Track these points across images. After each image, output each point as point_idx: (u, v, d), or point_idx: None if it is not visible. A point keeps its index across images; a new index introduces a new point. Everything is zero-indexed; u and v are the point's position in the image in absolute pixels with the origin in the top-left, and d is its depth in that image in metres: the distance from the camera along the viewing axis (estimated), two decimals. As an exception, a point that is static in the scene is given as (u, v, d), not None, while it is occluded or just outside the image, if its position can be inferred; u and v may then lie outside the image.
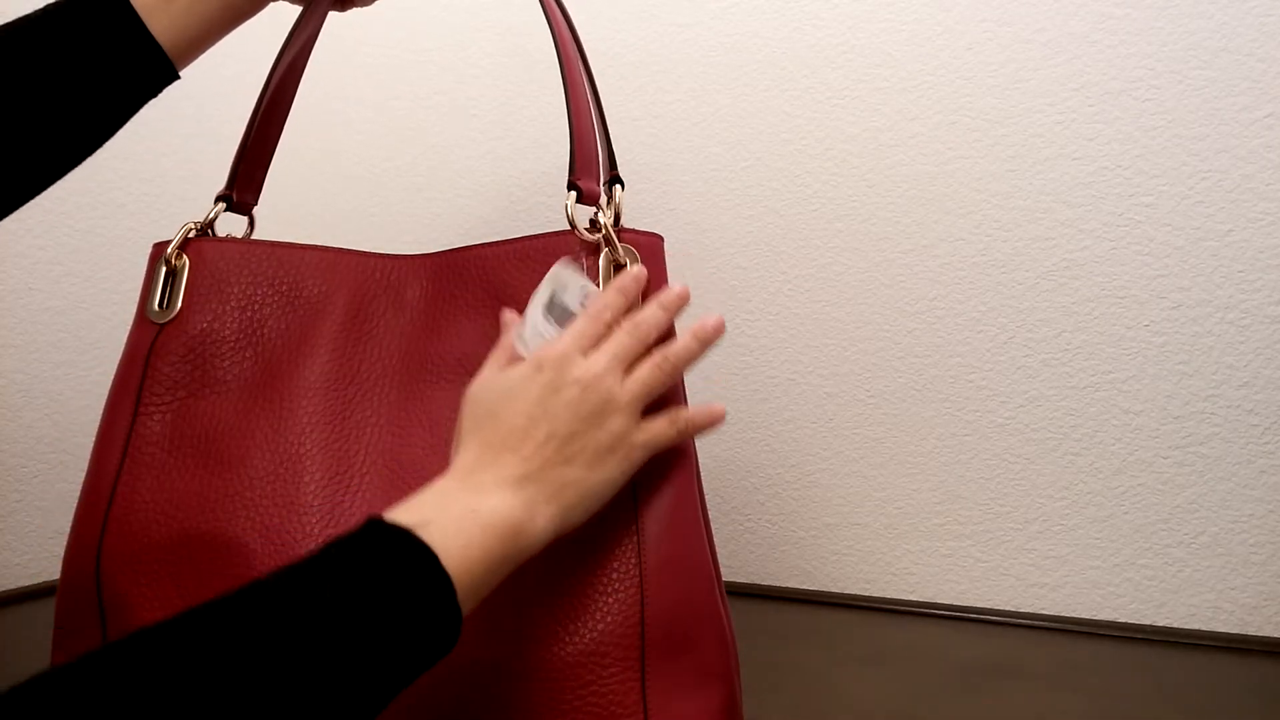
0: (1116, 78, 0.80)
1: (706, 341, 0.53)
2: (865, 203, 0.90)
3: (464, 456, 0.47)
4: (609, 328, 0.51)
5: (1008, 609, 0.85)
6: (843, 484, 0.92)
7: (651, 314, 0.52)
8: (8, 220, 1.01)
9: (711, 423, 0.53)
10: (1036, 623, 0.82)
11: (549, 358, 0.48)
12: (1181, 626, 0.79)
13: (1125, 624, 0.80)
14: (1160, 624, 0.79)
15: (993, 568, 0.85)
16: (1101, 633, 0.79)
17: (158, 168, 1.10)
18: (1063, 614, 0.83)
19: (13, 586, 0.95)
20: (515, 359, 0.51)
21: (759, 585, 0.95)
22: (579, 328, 0.50)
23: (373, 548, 0.39)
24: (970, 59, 0.86)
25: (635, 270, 0.54)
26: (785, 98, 0.93)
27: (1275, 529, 0.76)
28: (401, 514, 0.42)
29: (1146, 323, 0.80)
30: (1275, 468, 0.76)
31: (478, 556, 0.41)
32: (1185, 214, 0.78)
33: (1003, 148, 0.84)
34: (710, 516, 0.99)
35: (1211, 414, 0.78)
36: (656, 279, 0.56)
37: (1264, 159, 0.76)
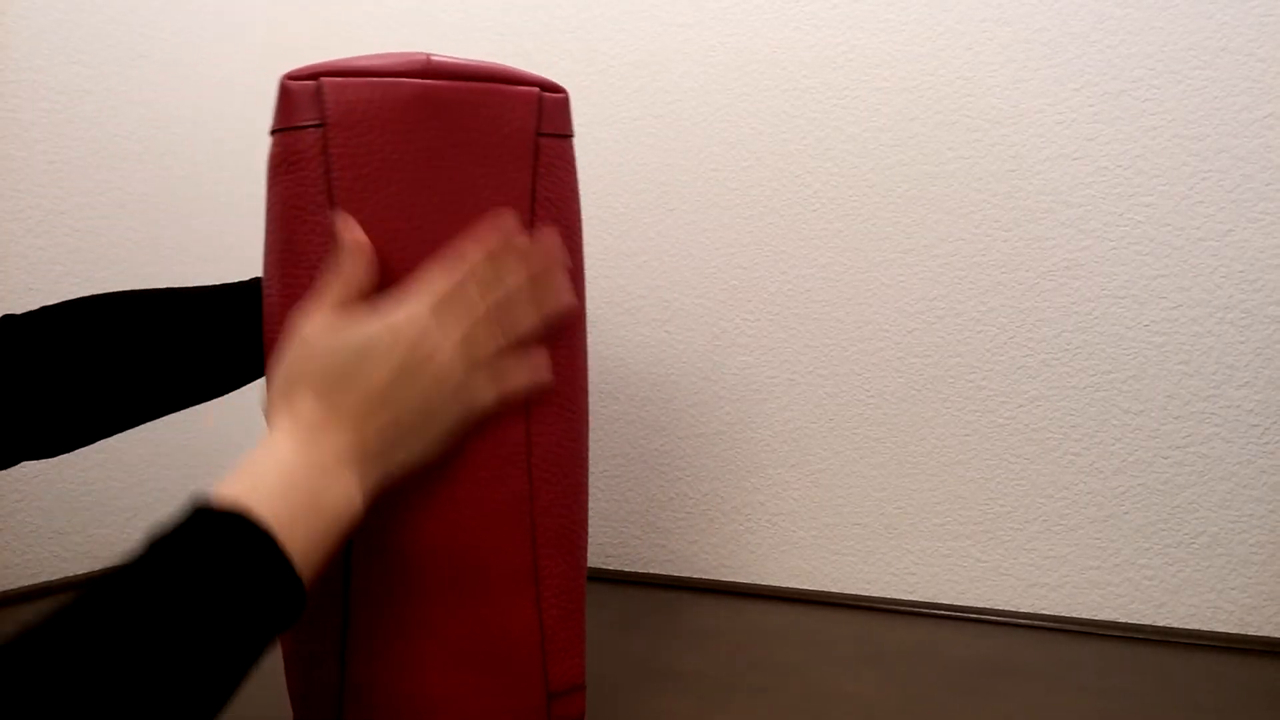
0: (1116, 78, 0.80)
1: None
2: (865, 203, 0.90)
3: (304, 409, 0.45)
4: (467, 297, 0.49)
5: (1008, 609, 0.85)
6: (843, 484, 0.92)
7: (525, 312, 0.51)
8: (8, 220, 1.01)
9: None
10: (1036, 623, 0.82)
11: (405, 332, 0.46)
12: (1181, 626, 0.79)
13: (1125, 624, 0.80)
14: (1160, 624, 0.79)
15: (993, 568, 0.85)
16: (1101, 633, 0.79)
17: (158, 167, 1.11)
18: (1063, 614, 0.83)
19: (13, 586, 0.95)
20: (355, 299, 0.48)
21: (759, 585, 0.95)
22: (436, 293, 0.48)
23: (208, 540, 0.38)
24: (970, 59, 0.86)
25: (519, 239, 0.52)
26: (785, 98, 0.93)
27: (1275, 529, 0.76)
28: (237, 487, 0.41)
29: (1146, 323, 0.80)
30: (1275, 468, 0.76)
31: (317, 544, 0.42)
32: (1185, 214, 0.78)
33: (1003, 148, 0.84)
34: (710, 516, 1.00)
35: (1211, 414, 0.78)
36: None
37: (1264, 159, 0.76)
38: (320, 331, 0.47)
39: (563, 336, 0.54)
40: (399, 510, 0.50)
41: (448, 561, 0.51)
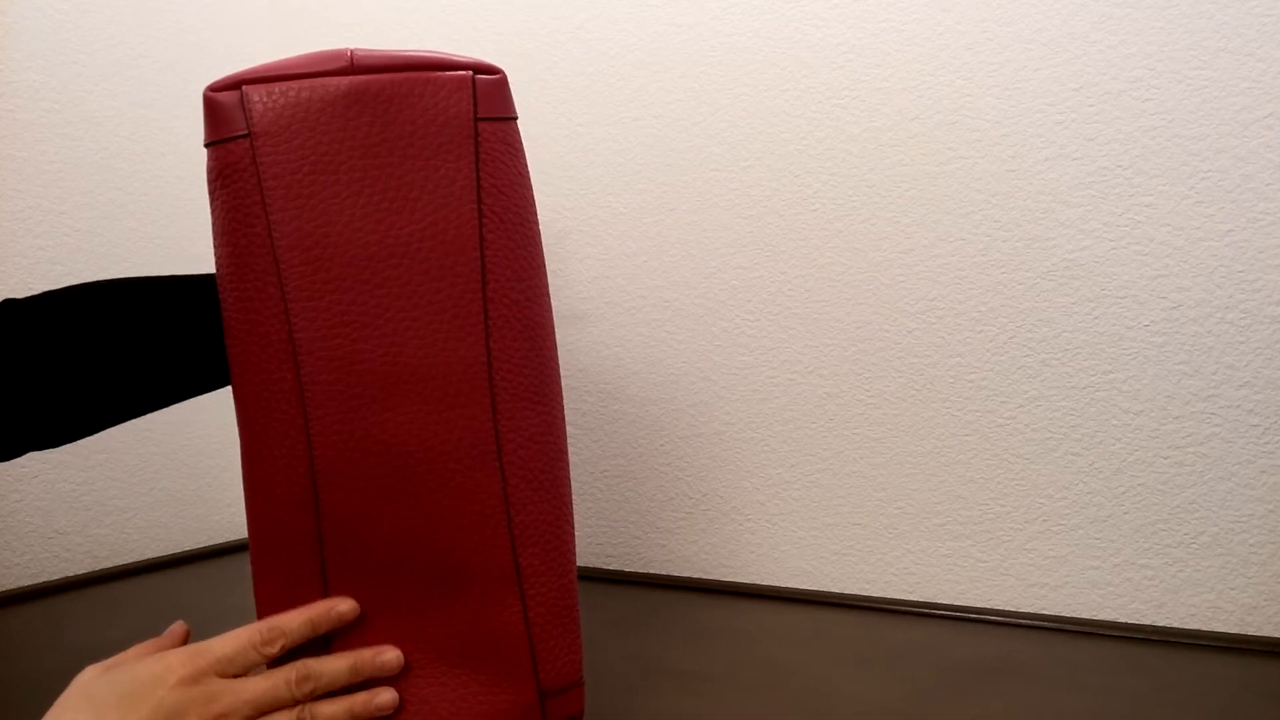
0: (1116, 78, 0.80)
1: (360, 716, 0.48)
2: (865, 203, 0.90)
3: None
4: (267, 658, 0.48)
5: (1008, 609, 0.85)
6: (843, 484, 0.92)
7: (332, 673, 0.48)
8: (8, 220, 1.01)
9: None
10: (1036, 623, 0.82)
11: (189, 670, 0.45)
12: (1181, 626, 0.79)
13: (1125, 624, 0.80)
14: (1160, 624, 0.79)
15: (993, 568, 0.85)
16: (1101, 633, 0.79)
17: (158, 167, 1.11)
18: (1063, 614, 0.83)
19: (13, 586, 0.95)
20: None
21: (759, 585, 0.95)
22: (236, 647, 0.47)
23: None
24: (970, 59, 0.86)
25: (343, 609, 0.50)
26: (785, 98, 0.93)
27: (1275, 529, 0.76)
28: None
29: (1146, 323, 0.80)
30: (1275, 468, 0.76)
31: None
32: (1185, 214, 0.78)
33: (1003, 148, 0.84)
34: (710, 516, 1.00)
35: (1211, 414, 0.78)
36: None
37: (1264, 159, 0.76)
38: (94, 676, 0.47)
39: (526, 328, 0.52)
40: (371, 514, 0.49)
41: (425, 564, 0.50)
